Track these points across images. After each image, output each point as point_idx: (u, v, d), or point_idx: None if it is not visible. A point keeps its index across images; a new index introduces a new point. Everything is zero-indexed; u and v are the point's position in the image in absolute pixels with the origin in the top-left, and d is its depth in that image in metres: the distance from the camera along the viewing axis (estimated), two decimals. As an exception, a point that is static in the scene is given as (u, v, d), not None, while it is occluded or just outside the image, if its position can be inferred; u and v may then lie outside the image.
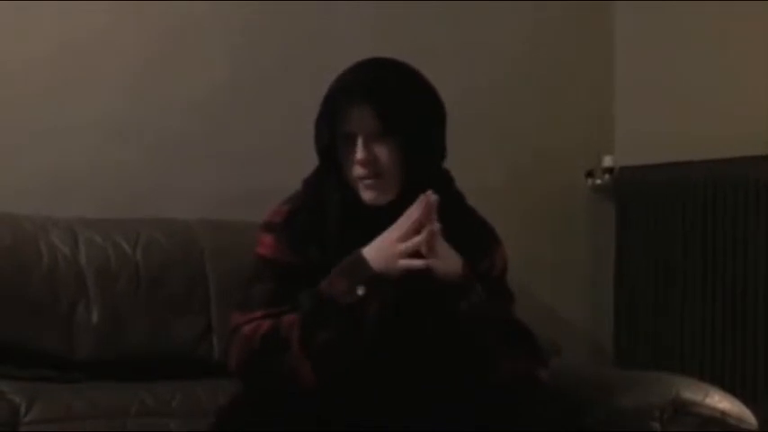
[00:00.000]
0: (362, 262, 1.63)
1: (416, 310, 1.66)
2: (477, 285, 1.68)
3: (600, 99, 3.00)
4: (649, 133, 2.89)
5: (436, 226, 1.63)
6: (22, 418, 1.93)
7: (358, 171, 1.69)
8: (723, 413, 1.88)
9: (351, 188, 1.72)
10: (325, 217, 1.72)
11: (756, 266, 2.54)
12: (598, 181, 2.95)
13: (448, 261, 1.65)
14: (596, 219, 2.98)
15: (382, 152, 1.68)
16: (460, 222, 1.75)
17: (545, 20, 2.92)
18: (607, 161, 2.94)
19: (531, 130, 2.90)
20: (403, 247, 1.62)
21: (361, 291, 1.61)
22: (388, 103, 1.68)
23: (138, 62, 2.46)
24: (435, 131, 1.74)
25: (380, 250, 1.63)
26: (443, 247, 1.65)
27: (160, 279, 2.17)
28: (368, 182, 1.69)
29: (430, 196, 1.63)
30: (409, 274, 1.62)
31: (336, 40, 2.61)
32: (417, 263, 1.62)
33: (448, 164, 1.81)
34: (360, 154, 1.68)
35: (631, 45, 2.97)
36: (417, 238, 1.62)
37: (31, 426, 1.93)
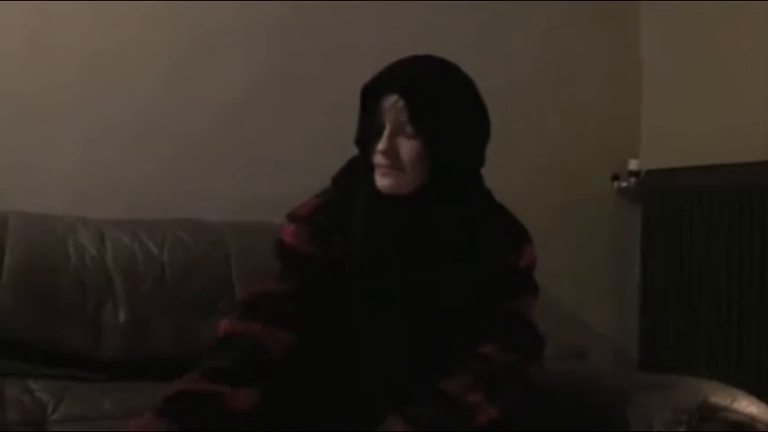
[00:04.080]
0: None
1: None
2: None
3: (626, 102, 2.99)
4: (676, 136, 2.88)
5: None
6: (50, 416, 1.96)
7: (378, 159, 1.67)
8: (752, 418, 1.86)
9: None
10: (351, 212, 1.71)
11: (784, 271, 2.52)
12: (624, 184, 2.94)
13: None
14: (622, 222, 2.97)
15: (405, 146, 1.66)
16: (490, 221, 1.75)
17: (570, 21, 2.92)
18: (633, 164, 2.93)
19: (557, 133, 2.90)
20: None
21: None
22: (417, 98, 1.65)
23: (164, 69, 2.50)
24: (467, 135, 1.70)
25: None
26: None
27: (186, 280, 2.18)
28: (385, 170, 1.67)
29: None
30: None
31: (358, 45, 2.62)
32: None
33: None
34: (382, 144, 1.66)
35: (658, 47, 2.96)
36: None
37: (58, 424, 1.95)
